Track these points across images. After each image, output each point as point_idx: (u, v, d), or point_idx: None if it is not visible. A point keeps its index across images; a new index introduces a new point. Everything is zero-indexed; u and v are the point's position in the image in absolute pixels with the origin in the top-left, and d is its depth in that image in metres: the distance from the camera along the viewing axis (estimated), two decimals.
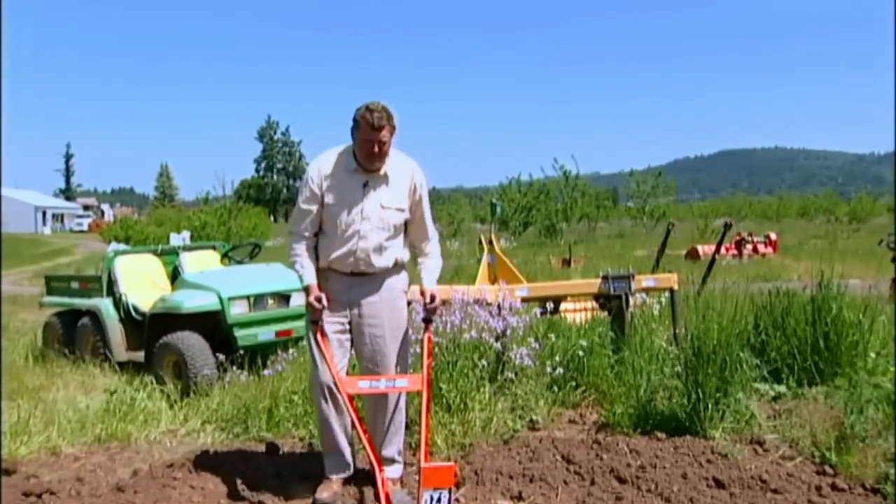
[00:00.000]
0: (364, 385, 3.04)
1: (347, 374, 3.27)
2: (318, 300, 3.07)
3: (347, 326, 3.20)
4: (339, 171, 3.11)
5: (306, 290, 3.13)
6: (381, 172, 3.13)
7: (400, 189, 3.16)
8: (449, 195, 54.36)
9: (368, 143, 3.00)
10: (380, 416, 3.27)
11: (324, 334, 3.12)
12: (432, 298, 3.14)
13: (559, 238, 29.10)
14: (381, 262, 3.16)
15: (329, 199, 3.11)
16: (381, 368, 3.19)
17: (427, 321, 3.19)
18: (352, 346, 3.25)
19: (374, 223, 3.11)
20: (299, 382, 4.53)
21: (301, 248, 3.17)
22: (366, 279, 3.17)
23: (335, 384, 3.07)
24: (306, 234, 3.17)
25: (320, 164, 3.13)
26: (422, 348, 3.16)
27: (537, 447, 3.62)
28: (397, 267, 3.25)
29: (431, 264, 3.26)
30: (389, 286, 3.22)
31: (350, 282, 3.17)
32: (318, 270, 3.20)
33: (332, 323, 3.17)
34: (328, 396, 3.17)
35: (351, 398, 3.02)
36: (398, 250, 3.22)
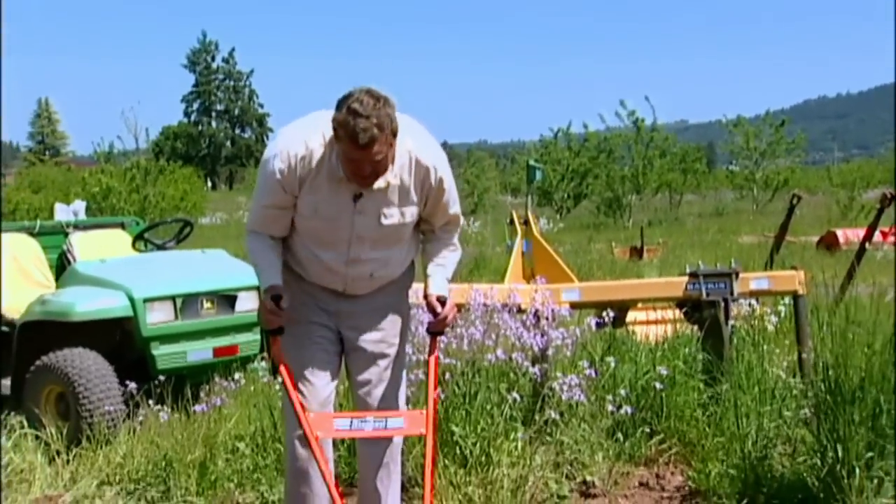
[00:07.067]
0: (342, 426, 3.05)
1: (337, 404, 3.31)
2: (278, 301, 3.05)
3: (336, 334, 3.26)
4: (319, 174, 3.02)
5: (266, 292, 3.10)
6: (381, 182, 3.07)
7: (408, 195, 3.12)
8: (467, 155, 54.42)
9: (354, 164, 2.92)
10: (368, 470, 3.29)
11: (284, 359, 3.10)
12: (443, 304, 3.17)
13: (626, 217, 29.05)
14: (385, 277, 3.27)
15: (304, 208, 3.09)
16: (382, 399, 3.24)
17: (435, 333, 3.22)
18: (341, 360, 3.30)
19: (371, 243, 3.15)
20: (247, 424, 4.55)
21: (263, 245, 3.19)
22: (360, 296, 3.28)
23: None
24: (271, 236, 3.22)
25: (289, 158, 3.00)
26: (426, 375, 3.17)
27: None
28: (404, 271, 3.37)
29: (445, 254, 3.31)
30: (390, 291, 3.31)
31: (338, 296, 3.26)
32: (291, 273, 3.25)
33: (314, 324, 3.22)
34: (305, 445, 3.13)
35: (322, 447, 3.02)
36: (406, 257, 3.33)
